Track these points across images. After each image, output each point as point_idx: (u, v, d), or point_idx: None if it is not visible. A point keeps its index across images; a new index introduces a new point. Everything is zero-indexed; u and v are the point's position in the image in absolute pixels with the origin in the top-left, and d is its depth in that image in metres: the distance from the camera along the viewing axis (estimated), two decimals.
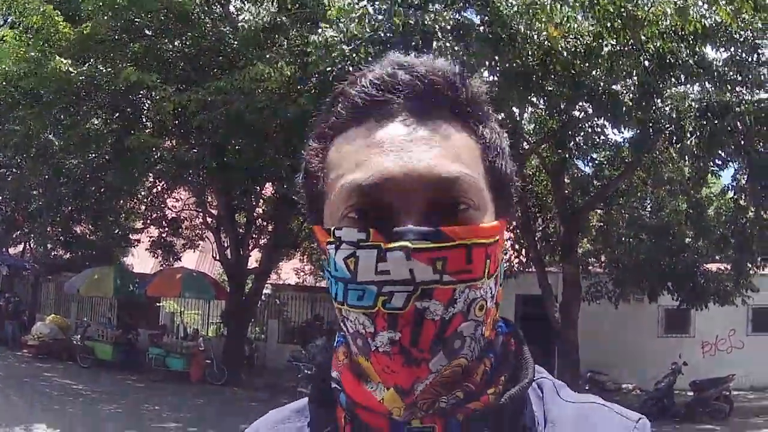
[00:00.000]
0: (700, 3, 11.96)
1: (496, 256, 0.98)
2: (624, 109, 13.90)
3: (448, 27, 12.17)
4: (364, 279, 0.92)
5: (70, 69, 14.23)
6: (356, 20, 12.02)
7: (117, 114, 17.35)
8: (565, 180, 18.83)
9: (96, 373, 18.97)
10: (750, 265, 18.40)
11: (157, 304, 24.56)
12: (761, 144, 15.38)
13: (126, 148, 15.54)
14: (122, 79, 13.94)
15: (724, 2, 11.65)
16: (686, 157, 16.72)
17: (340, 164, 0.98)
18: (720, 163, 16.70)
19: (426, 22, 11.92)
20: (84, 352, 20.27)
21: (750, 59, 13.99)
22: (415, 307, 0.90)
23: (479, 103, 1.03)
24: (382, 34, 12.15)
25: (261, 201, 22.49)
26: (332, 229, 0.95)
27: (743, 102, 13.98)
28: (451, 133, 0.97)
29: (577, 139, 17.22)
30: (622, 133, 17.06)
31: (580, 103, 15.20)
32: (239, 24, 15.78)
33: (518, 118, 16.75)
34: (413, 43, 12.28)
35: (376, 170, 0.93)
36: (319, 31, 12.30)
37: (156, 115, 15.85)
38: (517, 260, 19.57)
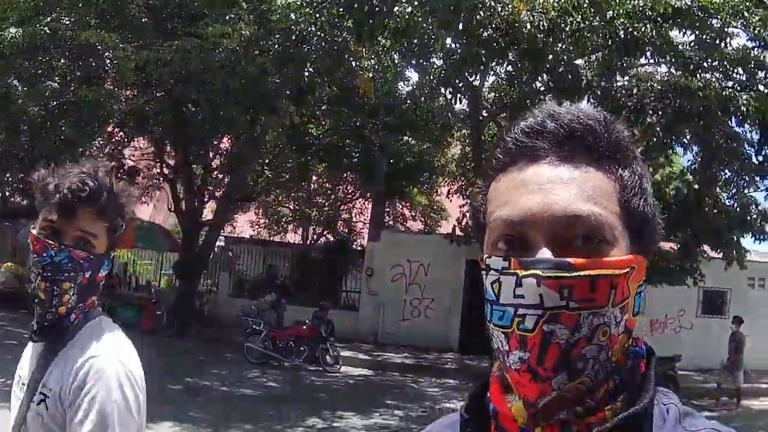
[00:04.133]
0: None
1: (625, 287, 1.06)
2: (584, 84, 13.91)
3: None
4: (504, 301, 1.05)
5: (19, 35, 14.00)
6: None
7: (79, 64, 17.08)
8: None
9: None
10: (697, 249, 18.16)
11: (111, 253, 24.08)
12: (719, 130, 15.43)
13: (84, 100, 15.36)
14: (82, 39, 13.97)
15: None
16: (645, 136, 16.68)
17: (494, 201, 1.13)
18: (680, 145, 16.71)
19: None
20: None
21: (718, 44, 13.98)
22: (542, 330, 1.01)
23: (621, 147, 1.12)
24: None
25: (217, 154, 22.36)
26: (483, 257, 1.10)
27: (708, 87, 14.02)
28: (588, 175, 1.08)
29: (534, 112, 17.07)
30: None
31: (541, 77, 15.16)
32: None
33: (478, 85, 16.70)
34: (376, 8, 12.28)
35: (519, 208, 1.07)
36: None
37: (116, 70, 15.82)
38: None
